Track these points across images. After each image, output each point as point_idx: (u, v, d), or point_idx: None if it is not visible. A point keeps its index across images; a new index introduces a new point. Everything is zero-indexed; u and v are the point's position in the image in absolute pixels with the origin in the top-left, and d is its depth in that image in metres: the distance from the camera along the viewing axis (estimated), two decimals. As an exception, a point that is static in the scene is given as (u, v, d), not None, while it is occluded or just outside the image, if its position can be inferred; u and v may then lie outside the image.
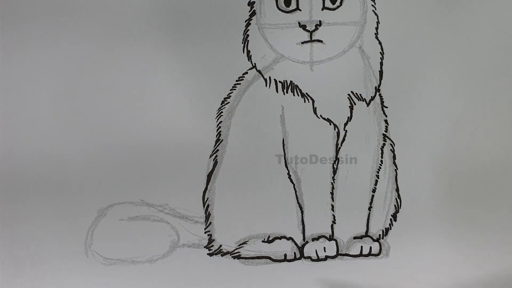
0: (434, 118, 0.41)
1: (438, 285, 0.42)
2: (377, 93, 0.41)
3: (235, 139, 0.41)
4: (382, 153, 0.42)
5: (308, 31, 0.40)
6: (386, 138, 0.42)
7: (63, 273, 0.41)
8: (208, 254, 0.42)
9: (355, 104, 0.41)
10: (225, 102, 0.41)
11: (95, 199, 0.41)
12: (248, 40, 0.40)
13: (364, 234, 0.42)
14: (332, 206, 0.42)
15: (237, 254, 0.42)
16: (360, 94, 0.41)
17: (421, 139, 0.42)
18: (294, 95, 0.41)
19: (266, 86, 0.41)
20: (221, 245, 0.42)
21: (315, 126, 0.41)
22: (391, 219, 0.42)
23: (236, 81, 0.41)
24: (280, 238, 0.42)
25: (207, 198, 0.41)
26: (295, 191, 0.42)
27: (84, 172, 0.41)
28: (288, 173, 0.41)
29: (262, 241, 0.42)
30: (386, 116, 0.41)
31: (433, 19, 0.41)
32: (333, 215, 0.42)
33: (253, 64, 0.41)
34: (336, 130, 0.41)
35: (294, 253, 0.42)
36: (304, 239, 0.42)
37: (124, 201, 0.41)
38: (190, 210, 0.41)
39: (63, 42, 0.40)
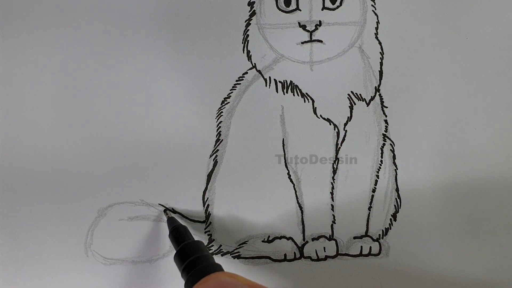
0: (434, 118, 0.41)
1: (438, 285, 0.42)
2: (377, 93, 0.41)
3: (235, 139, 0.41)
4: (382, 153, 0.42)
5: (308, 31, 0.40)
6: (386, 138, 0.42)
7: (63, 273, 0.41)
8: (208, 254, 0.42)
9: (355, 104, 0.41)
10: (225, 102, 0.41)
11: (95, 199, 0.41)
12: (248, 40, 0.40)
13: (364, 234, 0.42)
14: (332, 206, 0.42)
15: (237, 254, 0.42)
16: (360, 94, 0.41)
17: (421, 139, 0.42)
18: (294, 95, 0.41)
19: (266, 86, 0.41)
20: (221, 245, 0.42)
21: (315, 126, 0.41)
22: (391, 219, 0.42)
23: (236, 81, 0.41)
24: (280, 238, 0.42)
25: (207, 198, 0.41)
26: (295, 191, 0.42)
27: (84, 172, 0.41)
28: (288, 173, 0.41)
29: (262, 241, 0.42)
30: (386, 116, 0.41)
31: (433, 19, 0.41)
32: (333, 215, 0.42)
33: (253, 64, 0.41)
34: (336, 130, 0.41)
35: (294, 253, 0.42)
36: (304, 239, 0.42)
37: (124, 201, 0.41)
38: (190, 210, 0.41)
39: (63, 42, 0.40)
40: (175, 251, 0.37)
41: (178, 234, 0.38)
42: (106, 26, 0.40)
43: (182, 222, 0.41)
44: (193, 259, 0.35)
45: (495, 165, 0.42)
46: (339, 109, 0.41)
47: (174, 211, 0.41)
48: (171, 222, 0.40)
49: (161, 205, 0.41)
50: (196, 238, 0.41)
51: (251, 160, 0.41)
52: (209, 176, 0.41)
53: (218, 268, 0.35)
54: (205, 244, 0.42)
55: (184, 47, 0.40)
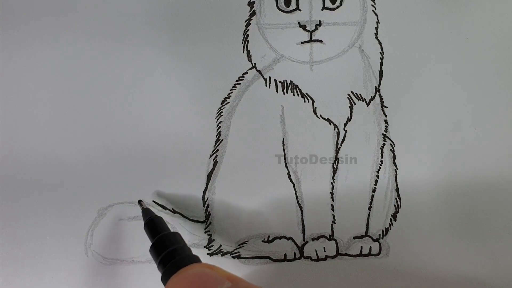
0: (434, 118, 0.41)
1: (438, 285, 0.42)
2: (377, 93, 0.41)
3: (235, 139, 0.41)
4: (382, 153, 0.42)
5: (308, 31, 0.40)
6: (386, 138, 0.42)
7: (63, 272, 0.41)
8: (208, 254, 0.42)
9: (355, 104, 0.41)
10: (225, 102, 0.41)
11: (95, 199, 0.41)
12: (248, 40, 0.40)
13: (364, 234, 0.42)
14: (332, 206, 0.42)
15: (237, 254, 0.42)
16: (360, 94, 0.41)
17: (421, 139, 0.42)
18: (294, 95, 0.41)
19: (266, 86, 0.41)
20: (221, 245, 0.42)
21: (315, 126, 0.41)
22: (391, 219, 0.42)
23: (236, 81, 0.41)
24: (280, 238, 0.42)
25: (207, 198, 0.41)
26: (295, 191, 0.42)
27: (84, 172, 0.41)
28: (288, 173, 0.41)
29: (262, 241, 0.42)
30: (386, 116, 0.41)
31: (433, 19, 0.41)
32: (333, 215, 0.42)
33: (253, 64, 0.41)
34: (336, 130, 0.41)
35: (294, 253, 0.42)
36: (304, 239, 0.42)
37: (124, 201, 0.41)
38: (190, 210, 0.41)
39: (63, 42, 0.40)
40: (150, 246, 0.36)
41: (153, 226, 0.37)
42: (106, 26, 0.40)
43: (181, 221, 0.41)
44: (169, 251, 0.34)
45: (495, 165, 0.42)
46: (339, 109, 0.41)
47: (174, 211, 0.41)
48: (146, 213, 0.38)
49: (155, 202, 0.41)
50: (196, 238, 0.42)
51: (251, 160, 0.41)
52: (209, 176, 0.41)
53: (196, 259, 0.33)
54: (206, 244, 0.42)
55: (184, 47, 0.40)
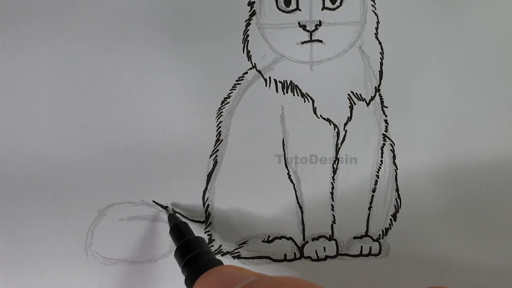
0: (434, 118, 0.41)
1: (438, 285, 0.42)
2: (377, 93, 0.41)
3: (235, 139, 0.41)
4: (382, 153, 0.42)
5: (308, 31, 0.40)
6: (386, 138, 0.42)
7: (63, 272, 0.41)
8: (208, 254, 0.42)
9: (355, 104, 0.41)
10: (225, 102, 0.41)
11: (95, 199, 0.41)
12: (248, 40, 0.40)
13: (364, 234, 0.42)
14: (332, 206, 0.42)
15: (237, 254, 0.42)
16: (360, 94, 0.41)
17: (421, 139, 0.42)
18: (294, 95, 0.41)
19: (266, 86, 0.41)
20: (221, 245, 0.42)
21: (315, 126, 0.41)
22: (391, 219, 0.42)
23: (236, 81, 0.41)
24: (280, 238, 0.42)
25: (207, 198, 0.41)
26: (295, 191, 0.42)
27: (84, 172, 0.41)
28: (288, 173, 0.41)
29: (262, 241, 0.42)
30: (386, 116, 0.41)
31: (433, 19, 0.41)
32: (333, 215, 0.42)
33: (253, 64, 0.41)
34: (336, 130, 0.41)
35: (294, 253, 0.42)
36: (304, 239, 0.42)
37: (124, 201, 0.41)
38: (190, 210, 0.41)
39: (63, 42, 0.40)
40: (175, 249, 0.37)
41: (178, 230, 0.38)
42: (106, 26, 0.40)
43: (182, 222, 0.41)
44: (193, 254, 0.34)
45: (496, 165, 0.42)
46: (339, 109, 0.41)
47: (174, 211, 0.41)
48: (171, 219, 0.39)
49: (155, 202, 0.41)
50: (196, 238, 0.42)
51: (251, 160, 0.41)
52: (209, 176, 0.41)
53: (219, 263, 0.34)
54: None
55: (184, 47, 0.40)
